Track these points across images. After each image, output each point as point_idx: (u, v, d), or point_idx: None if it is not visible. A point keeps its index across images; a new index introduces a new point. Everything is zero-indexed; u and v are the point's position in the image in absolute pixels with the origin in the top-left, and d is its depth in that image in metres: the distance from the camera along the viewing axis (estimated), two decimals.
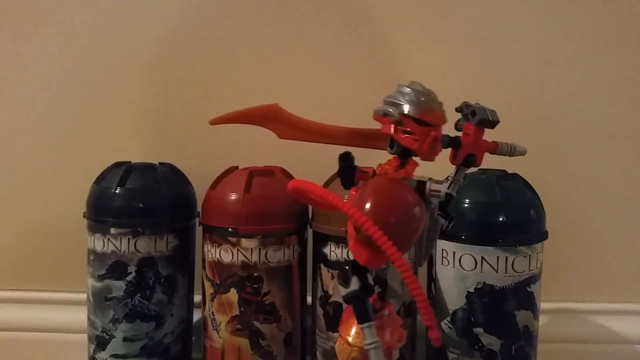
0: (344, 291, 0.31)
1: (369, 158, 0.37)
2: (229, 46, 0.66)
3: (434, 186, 0.31)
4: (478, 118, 0.36)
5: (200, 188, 0.58)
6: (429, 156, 0.32)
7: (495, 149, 0.39)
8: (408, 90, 0.31)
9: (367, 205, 0.29)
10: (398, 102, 0.31)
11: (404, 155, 0.33)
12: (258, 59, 0.66)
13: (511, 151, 0.40)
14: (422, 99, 0.31)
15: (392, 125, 0.32)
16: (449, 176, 0.37)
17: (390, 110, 0.31)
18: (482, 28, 0.65)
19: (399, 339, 0.29)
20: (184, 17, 0.66)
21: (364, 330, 0.29)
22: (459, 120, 0.38)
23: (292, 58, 0.66)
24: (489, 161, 0.42)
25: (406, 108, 0.31)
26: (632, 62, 0.65)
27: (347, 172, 0.33)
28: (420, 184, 0.31)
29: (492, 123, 0.37)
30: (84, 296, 0.57)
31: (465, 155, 0.37)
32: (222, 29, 0.66)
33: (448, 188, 0.37)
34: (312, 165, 0.53)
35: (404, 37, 0.65)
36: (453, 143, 0.37)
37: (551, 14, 0.65)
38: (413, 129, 0.31)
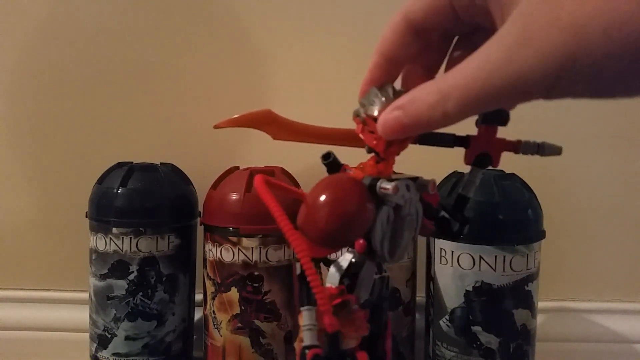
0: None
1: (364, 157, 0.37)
2: (229, 47, 0.66)
3: (384, 184, 0.31)
4: (482, 115, 0.34)
5: (201, 188, 0.58)
6: (389, 155, 0.32)
7: (516, 147, 0.35)
8: (375, 91, 0.32)
9: (312, 199, 0.30)
10: (364, 103, 0.32)
11: (378, 154, 0.33)
12: (259, 60, 0.66)
13: (539, 150, 0.35)
14: (383, 99, 0.31)
15: (361, 126, 0.33)
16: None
17: (360, 111, 0.32)
18: None
19: (356, 330, 0.30)
20: (186, 18, 0.66)
21: (303, 313, 0.30)
22: (477, 119, 0.36)
23: (292, 60, 0.66)
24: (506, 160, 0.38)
25: (368, 109, 0.32)
26: None
27: (331, 169, 0.34)
28: (374, 181, 0.31)
29: (500, 120, 0.34)
30: (85, 295, 0.57)
31: (476, 154, 0.35)
32: (223, 32, 0.66)
33: (460, 189, 0.36)
34: (311, 165, 0.53)
35: None
36: (461, 142, 0.35)
37: None
38: (374, 128, 0.32)
